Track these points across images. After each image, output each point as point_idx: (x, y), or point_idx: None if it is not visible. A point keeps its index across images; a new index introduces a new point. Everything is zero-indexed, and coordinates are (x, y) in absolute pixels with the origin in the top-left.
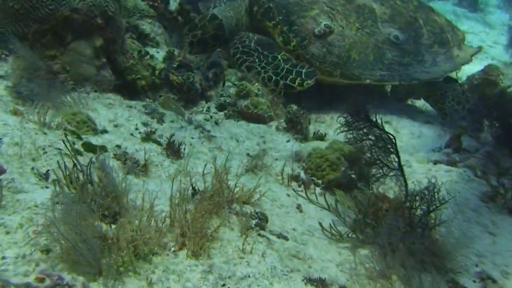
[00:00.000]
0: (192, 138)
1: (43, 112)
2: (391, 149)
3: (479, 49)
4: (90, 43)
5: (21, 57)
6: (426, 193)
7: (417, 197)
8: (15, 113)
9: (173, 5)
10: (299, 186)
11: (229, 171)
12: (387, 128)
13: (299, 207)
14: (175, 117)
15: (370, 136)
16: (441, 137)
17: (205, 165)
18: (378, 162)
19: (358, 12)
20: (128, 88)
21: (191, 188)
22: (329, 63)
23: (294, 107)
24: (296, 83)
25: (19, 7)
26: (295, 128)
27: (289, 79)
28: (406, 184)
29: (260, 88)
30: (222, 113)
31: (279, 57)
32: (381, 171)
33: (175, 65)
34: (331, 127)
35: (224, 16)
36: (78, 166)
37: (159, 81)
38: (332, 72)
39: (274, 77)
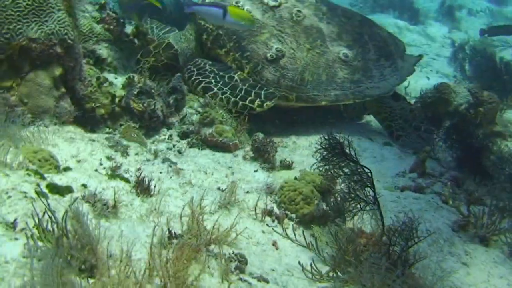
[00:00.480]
0: (160, 172)
1: (3, 150)
2: (367, 183)
3: (420, 57)
4: (49, 73)
5: None
6: (404, 228)
7: (396, 233)
8: None
9: (129, 28)
10: (273, 221)
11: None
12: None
13: (275, 243)
14: (140, 149)
15: (345, 170)
16: (402, 159)
17: (183, 208)
18: (354, 197)
19: (307, 32)
20: (86, 117)
21: (167, 231)
22: (284, 87)
23: (260, 135)
24: (255, 104)
25: None
26: (262, 157)
27: (248, 100)
28: (383, 218)
29: (224, 115)
30: (185, 141)
31: (236, 77)
32: (357, 205)
33: (135, 92)
34: (294, 152)
35: (180, 46)
36: (52, 218)
37: (119, 109)
38: (288, 96)
39: (233, 98)
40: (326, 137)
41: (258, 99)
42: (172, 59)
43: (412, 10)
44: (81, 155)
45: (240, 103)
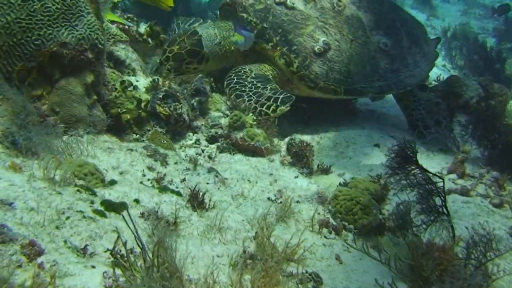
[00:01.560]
0: (207, 183)
1: (49, 165)
2: (440, 193)
3: (439, 39)
4: (81, 80)
5: (9, 101)
6: (481, 241)
7: (473, 246)
8: (13, 168)
9: (143, 27)
10: (330, 232)
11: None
12: (377, 151)
13: (338, 258)
14: (178, 157)
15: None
16: (431, 158)
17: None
18: (426, 207)
19: (348, 23)
20: (111, 123)
21: (241, 251)
22: (332, 80)
23: (297, 139)
24: (271, 110)
25: (2, 43)
26: (301, 161)
27: (265, 106)
28: (454, 230)
29: (255, 118)
30: (214, 145)
31: (269, 87)
32: (429, 216)
33: (161, 96)
34: (321, 153)
35: (206, 32)
36: (141, 246)
37: (145, 114)
38: (336, 89)
39: (253, 104)
40: (398, 145)
41: (274, 104)
42: (195, 45)
43: None
44: (122, 166)
45: (258, 109)
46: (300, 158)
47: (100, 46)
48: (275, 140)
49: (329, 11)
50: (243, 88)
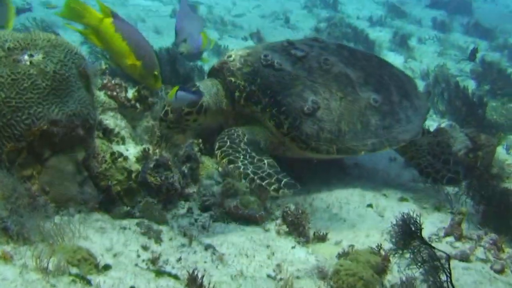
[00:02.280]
0: (205, 262)
1: (42, 254)
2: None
3: (429, 93)
4: (72, 157)
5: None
6: None
7: None
8: (4, 258)
9: (130, 92)
10: None
11: None
12: (371, 212)
13: None
14: (172, 232)
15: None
16: (425, 218)
17: None
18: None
19: (337, 80)
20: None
21: None
22: (323, 140)
23: (292, 206)
24: (272, 188)
25: None
26: (297, 230)
27: (265, 181)
28: None
29: (247, 184)
30: (207, 214)
31: (266, 161)
32: None
33: (151, 165)
34: (314, 216)
35: (203, 83)
36: None
37: (136, 185)
38: (328, 149)
39: (251, 175)
40: (402, 220)
41: (276, 184)
42: (194, 94)
43: (368, 41)
44: (115, 248)
45: (257, 181)
46: (296, 227)
47: (91, 121)
48: (268, 204)
49: (317, 70)
50: (237, 154)
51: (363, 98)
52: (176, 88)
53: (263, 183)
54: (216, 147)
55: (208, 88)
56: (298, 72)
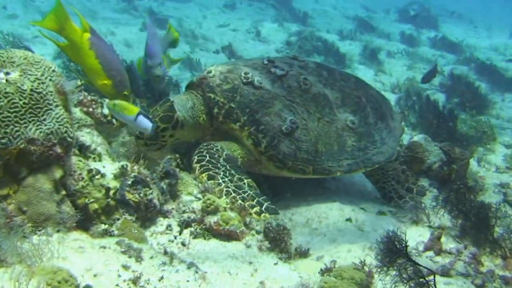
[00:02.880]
0: (188, 281)
1: (21, 276)
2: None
3: (403, 114)
4: (49, 176)
5: None
6: None
7: None
8: None
9: (106, 108)
10: None
11: None
12: (350, 226)
13: None
14: (153, 251)
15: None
16: (403, 232)
17: None
18: None
19: (316, 101)
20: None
21: None
22: (300, 160)
23: (273, 223)
24: (254, 211)
25: None
26: (279, 246)
27: (247, 202)
28: None
29: (228, 201)
30: (187, 231)
31: (245, 181)
32: None
33: (130, 182)
34: (294, 231)
35: (177, 97)
36: None
37: (114, 202)
38: (305, 169)
39: (233, 194)
40: (386, 239)
41: (257, 207)
42: (168, 110)
43: (338, 55)
44: (95, 268)
45: (239, 201)
46: (278, 243)
47: (69, 139)
48: (248, 218)
49: (296, 90)
50: (217, 170)
51: (341, 120)
52: (136, 110)
53: (246, 204)
54: (195, 161)
55: (183, 103)
56: (277, 91)
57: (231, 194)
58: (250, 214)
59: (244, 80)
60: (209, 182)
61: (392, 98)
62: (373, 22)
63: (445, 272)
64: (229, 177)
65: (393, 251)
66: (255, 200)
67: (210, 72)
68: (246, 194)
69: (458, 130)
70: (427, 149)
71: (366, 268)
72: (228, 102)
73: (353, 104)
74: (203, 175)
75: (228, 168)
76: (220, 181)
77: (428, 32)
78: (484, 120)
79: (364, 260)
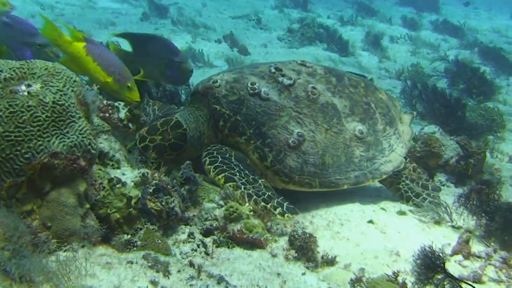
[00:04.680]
0: None
1: None
2: None
3: (413, 115)
4: (73, 190)
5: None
6: None
7: None
8: None
9: (122, 112)
10: None
11: None
12: (373, 229)
13: None
14: (180, 264)
15: None
16: (427, 232)
17: None
18: None
19: (323, 111)
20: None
21: None
22: (307, 174)
23: (299, 230)
24: (277, 211)
25: None
26: (306, 255)
27: (269, 204)
28: None
29: (252, 207)
30: (209, 239)
31: (260, 182)
32: None
33: (151, 190)
34: (315, 234)
35: (188, 126)
36: None
37: (135, 211)
38: (311, 183)
39: (254, 196)
40: (423, 253)
41: (280, 208)
42: (180, 138)
43: (341, 42)
44: (124, 284)
45: (262, 203)
46: (304, 252)
47: (93, 151)
48: (269, 223)
49: (303, 100)
50: (232, 171)
51: (349, 130)
52: None
53: (268, 206)
54: (207, 162)
55: (187, 120)
56: (284, 102)
57: (253, 196)
58: (274, 215)
59: (251, 91)
60: (227, 184)
61: (397, 85)
62: (373, 5)
63: (477, 279)
64: (246, 178)
65: (430, 267)
66: (276, 201)
67: (215, 82)
68: (266, 195)
69: (466, 119)
70: (443, 144)
71: (400, 279)
72: (234, 115)
73: (362, 112)
74: (219, 177)
75: (242, 168)
76: (239, 183)
77: (429, 15)
78: (492, 107)
79: (398, 271)
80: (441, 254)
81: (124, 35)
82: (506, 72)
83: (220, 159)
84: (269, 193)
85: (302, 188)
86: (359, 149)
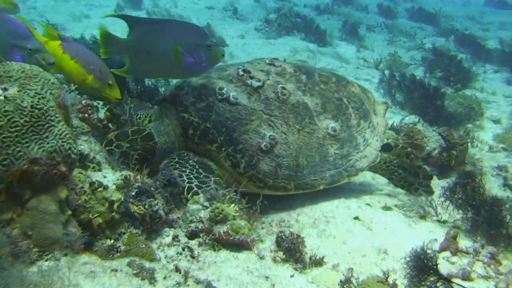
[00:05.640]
0: None
1: None
2: None
3: (387, 105)
4: (54, 197)
5: None
6: None
7: None
8: None
9: (102, 112)
10: None
11: None
12: (359, 226)
13: None
14: (166, 270)
15: None
16: (413, 228)
17: None
18: None
19: (295, 111)
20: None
21: None
22: (281, 177)
23: (287, 231)
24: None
25: None
26: (294, 256)
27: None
28: None
29: (237, 208)
30: (195, 241)
31: (213, 179)
32: None
33: (133, 193)
34: (301, 233)
35: (159, 139)
36: None
37: (118, 215)
38: (286, 186)
39: (194, 189)
40: (414, 255)
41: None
42: (148, 151)
43: (319, 31)
44: None
45: (202, 195)
46: (293, 253)
47: (73, 156)
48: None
49: (274, 101)
50: (183, 169)
51: (321, 128)
52: None
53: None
54: (163, 163)
55: (160, 132)
56: (254, 105)
57: (193, 189)
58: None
59: (219, 97)
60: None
61: (376, 75)
62: None
63: (466, 276)
64: (196, 174)
65: (422, 269)
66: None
67: (183, 89)
68: (210, 188)
69: (445, 108)
70: (426, 136)
71: (390, 279)
72: (203, 122)
73: (334, 109)
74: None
75: (197, 167)
76: (184, 177)
77: (405, 2)
78: (470, 95)
79: (388, 271)
80: (433, 256)
81: (122, 16)
82: (482, 59)
83: (176, 159)
84: (215, 186)
85: (277, 192)
86: (333, 147)
